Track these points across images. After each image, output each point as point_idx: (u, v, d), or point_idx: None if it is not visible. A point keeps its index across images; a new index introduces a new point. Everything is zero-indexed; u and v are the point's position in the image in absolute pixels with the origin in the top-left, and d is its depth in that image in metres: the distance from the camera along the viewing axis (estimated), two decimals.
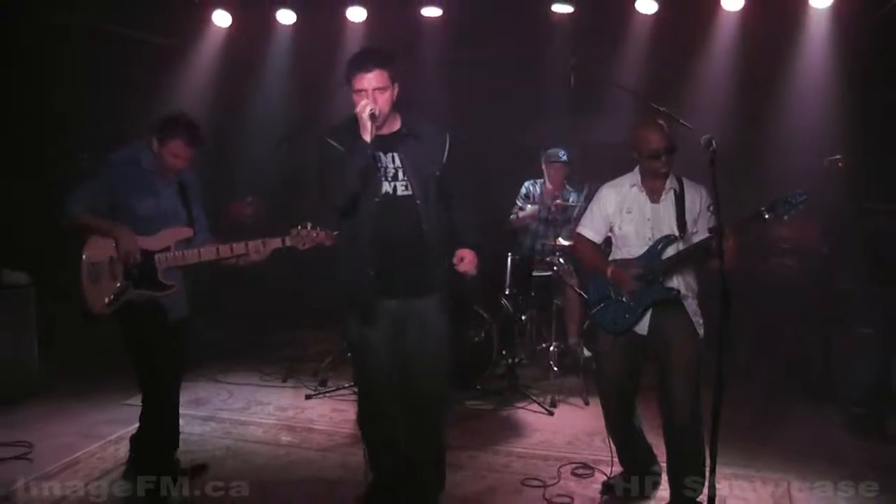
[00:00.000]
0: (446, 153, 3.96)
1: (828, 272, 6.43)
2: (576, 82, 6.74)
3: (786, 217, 3.84)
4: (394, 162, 3.88)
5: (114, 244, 4.22)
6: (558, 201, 6.96)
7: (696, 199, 4.17)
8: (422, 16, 7.68)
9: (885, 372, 5.65)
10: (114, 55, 7.15)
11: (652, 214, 4.20)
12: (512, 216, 7.37)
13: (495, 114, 7.86)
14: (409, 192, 3.88)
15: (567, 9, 7.32)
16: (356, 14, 7.67)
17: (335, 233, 4.05)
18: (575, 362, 6.83)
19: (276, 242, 4.30)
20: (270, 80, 8.32)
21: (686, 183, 4.20)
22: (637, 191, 4.23)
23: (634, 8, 7.15)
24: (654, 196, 4.21)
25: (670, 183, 4.18)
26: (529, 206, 7.29)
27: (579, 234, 4.49)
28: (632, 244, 4.24)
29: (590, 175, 7.73)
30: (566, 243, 6.68)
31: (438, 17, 7.67)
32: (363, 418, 4.18)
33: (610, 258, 4.36)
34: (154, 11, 7.14)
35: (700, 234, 4.12)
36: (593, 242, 4.42)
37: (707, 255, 3.97)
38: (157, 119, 4.36)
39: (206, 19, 7.72)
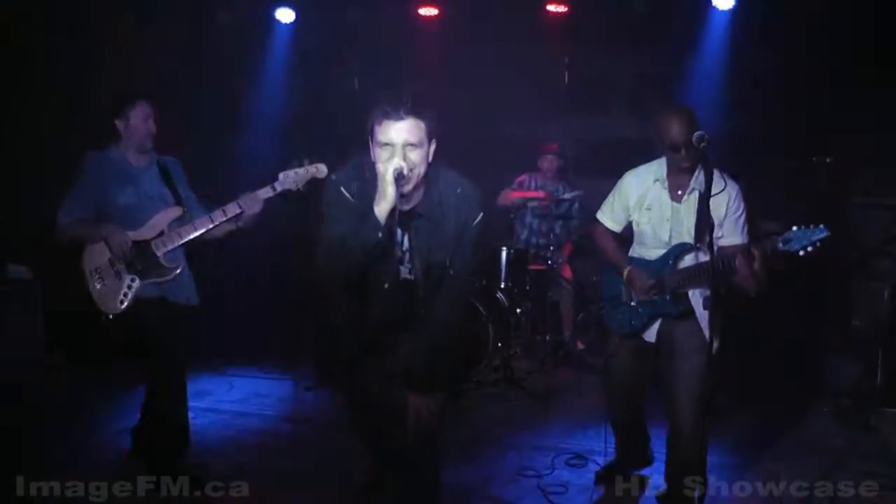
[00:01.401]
0: (466, 237, 3.22)
1: (815, 267, 6.46)
2: (570, 80, 6.77)
3: (801, 253, 3.49)
4: (402, 243, 3.21)
5: (105, 244, 4.20)
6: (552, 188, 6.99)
7: (724, 199, 3.80)
8: (419, 14, 7.72)
9: (872, 365, 5.70)
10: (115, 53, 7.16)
11: (672, 215, 3.94)
12: (504, 191, 7.34)
13: (491, 111, 7.88)
14: (412, 277, 3.28)
15: (561, 8, 7.36)
16: (356, 14, 7.67)
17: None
18: (569, 355, 6.91)
19: (266, 191, 4.23)
20: (269, 79, 8.32)
21: (717, 181, 3.71)
22: (660, 186, 3.96)
23: (628, 6, 7.16)
24: (677, 193, 3.93)
25: (695, 180, 3.84)
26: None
27: (598, 221, 4.27)
28: (648, 244, 4.06)
29: (585, 172, 7.84)
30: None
31: (434, 16, 7.70)
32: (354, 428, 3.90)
33: (629, 253, 4.17)
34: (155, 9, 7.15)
35: (726, 238, 3.82)
36: (612, 231, 4.20)
37: (726, 272, 3.67)
38: (108, 105, 4.35)
39: (208, 16, 7.71)
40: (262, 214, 4.30)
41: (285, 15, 7.77)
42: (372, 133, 3.02)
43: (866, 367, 5.76)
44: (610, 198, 4.21)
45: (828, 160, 6.19)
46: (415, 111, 2.95)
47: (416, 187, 3.08)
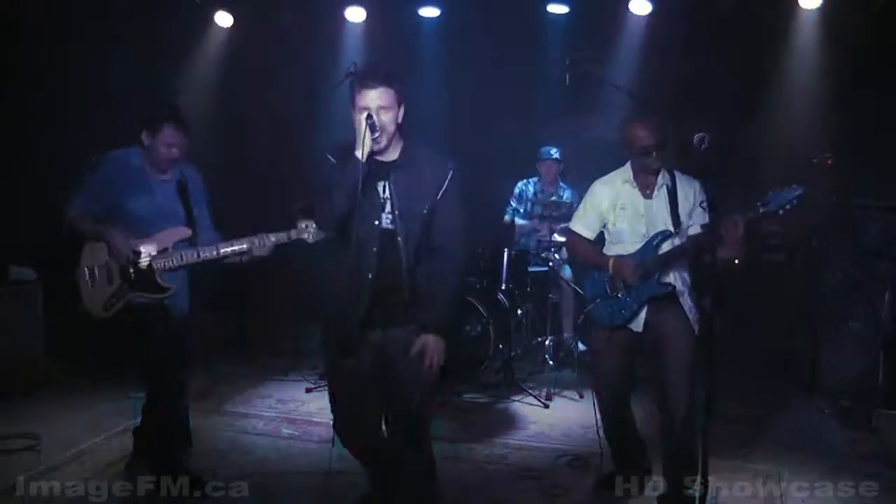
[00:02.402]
0: (442, 191, 3.55)
1: (816, 267, 6.46)
2: (571, 81, 6.77)
3: (780, 212, 3.78)
4: (383, 192, 3.52)
5: (106, 247, 4.18)
6: (553, 198, 6.99)
7: (689, 192, 4.12)
8: (419, 16, 7.74)
9: (873, 365, 5.69)
10: (115, 54, 7.15)
11: (645, 210, 4.16)
12: (506, 217, 7.43)
13: (491, 112, 7.88)
14: (391, 227, 3.52)
15: (562, 9, 7.38)
16: (355, 14, 7.69)
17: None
18: (570, 356, 6.89)
19: (281, 237, 4.19)
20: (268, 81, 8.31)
21: (679, 177, 4.15)
22: (630, 187, 4.20)
23: (628, 8, 7.17)
24: (647, 191, 4.18)
25: (662, 178, 4.15)
26: (522, 220, 7.38)
27: (571, 231, 4.44)
28: (626, 241, 4.20)
29: (584, 173, 7.83)
30: (562, 239, 6.73)
31: (436, 17, 7.71)
32: (342, 440, 3.84)
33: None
34: (155, 11, 7.14)
35: (695, 228, 4.05)
36: (586, 238, 4.36)
37: (703, 250, 3.82)
38: (141, 113, 4.28)
39: (208, 19, 7.71)
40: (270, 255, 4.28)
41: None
42: (353, 100, 3.47)
43: (867, 368, 5.75)
44: (581, 207, 4.43)
45: (829, 161, 6.17)
46: (386, 81, 3.42)
47: (391, 143, 3.51)
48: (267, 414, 5.74)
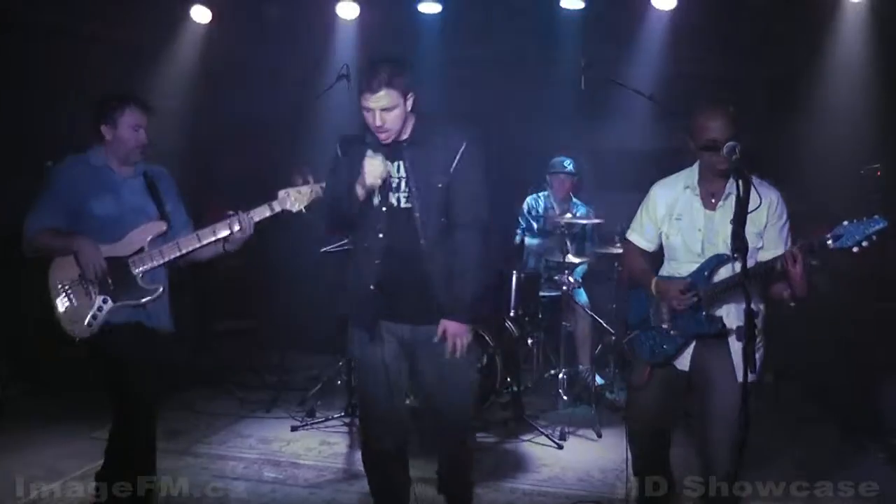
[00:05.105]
0: (456, 161, 3.79)
1: (866, 292, 6.38)
2: (587, 84, 6.75)
3: (855, 249, 3.48)
4: (398, 171, 3.82)
5: (75, 260, 4.12)
6: (567, 215, 6.95)
7: (764, 207, 3.70)
8: (419, 11, 7.76)
9: None
10: (85, 55, 7.15)
11: (704, 224, 3.91)
12: (517, 237, 7.39)
13: (497, 118, 7.88)
14: (409, 205, 3.80)
15: (578, 4, 7.36)
16: (347, 10, 7.72)
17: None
18: (586, 390, 6.81)
19: (261, 211, 4.23)
20: (254, 81, 8.31)
21: (756, 185, 3.61)
22: (690, 193, 3.95)
23: (650, 3, 7.18)
24: (711, 200, 3.91)
25: (731, 185, 3.73)
26: (532, 240, 7.38)
27: (627, 241, 4.28)
28: (679, 259, 4.00)
29: (602, 186, 7.79)
30: (577, 260, 6.70)
31: (437, 14, 7.75)
32: (366, 455, 4.16)
33: (659, 274, 4.11)
34: (127, 8, 7.15)
35: (767, 251, 3.79)
36: (643, 250, 4.17)
37: (766, 282, 3.73)
38: (96, 107, 4.28)
39: (184, 16, 7.73)
40: (255, 236, 4.29)
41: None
42: (359, 99, 3.74)
43: None
44: (638, 214, 4.21)
45: (878, 172, 6.12)
46: (387, 82, 3.64)
47: (402, 129, 3.79)
48: (247, 455, 5.65)
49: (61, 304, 4.14)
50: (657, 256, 4.19)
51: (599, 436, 6.05)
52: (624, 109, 7.43)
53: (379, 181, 3.71)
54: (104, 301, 4.14)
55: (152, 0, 7.44)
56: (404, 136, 3.84)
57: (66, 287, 4.15)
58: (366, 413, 4.19)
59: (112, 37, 7.18)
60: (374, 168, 3.69)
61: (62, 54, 6.90)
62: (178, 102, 7.71)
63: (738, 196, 3.42)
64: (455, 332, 3.79)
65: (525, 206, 7.50)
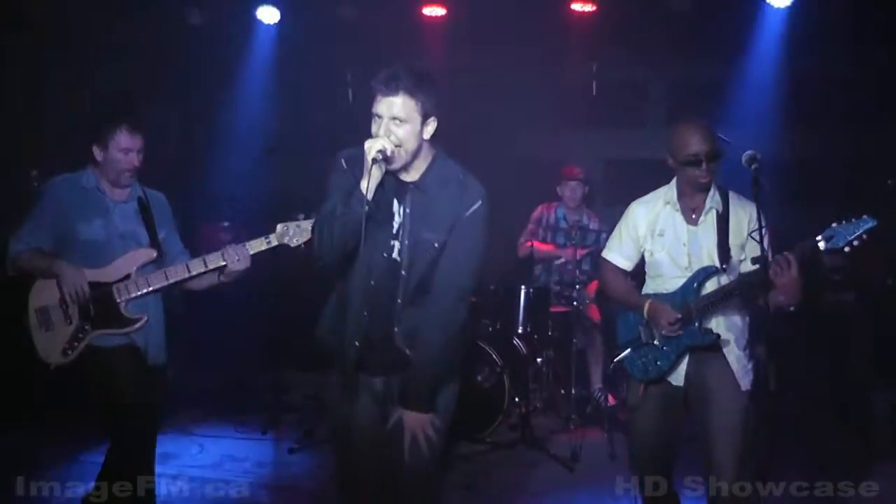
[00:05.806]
0: (463, 220, 3.39)
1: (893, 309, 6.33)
2: (598, 90, 6.73)
3: (846, 248, 3.60)
4: (399, 216, 3.44)
5: (56, 283, 4.09)
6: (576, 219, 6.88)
7: (745, 219, 3.93)
8: (423, 15, 7.73)
9: None
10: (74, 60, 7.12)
11: (689, 238, 4.00)
12: (521, 239, 7.31)
13: (505, 125, 7.84)
14: (398, 259, 3.43)
15: (589, 7, 7.32)
16: (348, 13, 7.66)
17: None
18: (598, 411, 6.83)
19: (257, 244, 4.18)
20: (250, 86, 8.27)
21: (733, 199, 3.98)
22: (671, 209, 4.05)
23: (664, 4, 7.14)
24: (692, 215, 4.01)
25: (712, 200, 3.95)
26: (542, 248, 7.30)
27: (605, 260, 4.31)
28: (665, 274, 4.06)
29: (614, 198, 7.71)
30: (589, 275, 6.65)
31: (441, 17, 7.73)
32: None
33: (643, 291, 4.18)
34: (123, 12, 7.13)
35: (746, 264, 3.87)
36: (622, 270, 4.23)
37: (757, 290, 3.74)
38: (89, 127, 4.27)
39: (180, 18, 7.71)
40: (250, 268, 4.25)
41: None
42: (372, 103, 3.33)
43: None
44: (616, 232, 4.28)
45: None
46: (407, 88, 3.25)
47: (412, 161, 3.38)
48: (242, 480, 5.56)
49: (39, 330, 4.12)
50: (634, 275, 4.27)
51: (612, 458, 6.04)
52: (636, 117, 7.40)
53: (380, 156, 3.21)
54: (84, 328, 4.11)
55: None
56: (413, 175, 3.45)
57: (46, 312, 4.13)
58: (340, 474, 3.82)
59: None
60: (374, 143, 3.25)
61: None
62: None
63: (755, 196, 3.64)
64: (415, 425, 3.43)
65: (535, 214, 7.44)
